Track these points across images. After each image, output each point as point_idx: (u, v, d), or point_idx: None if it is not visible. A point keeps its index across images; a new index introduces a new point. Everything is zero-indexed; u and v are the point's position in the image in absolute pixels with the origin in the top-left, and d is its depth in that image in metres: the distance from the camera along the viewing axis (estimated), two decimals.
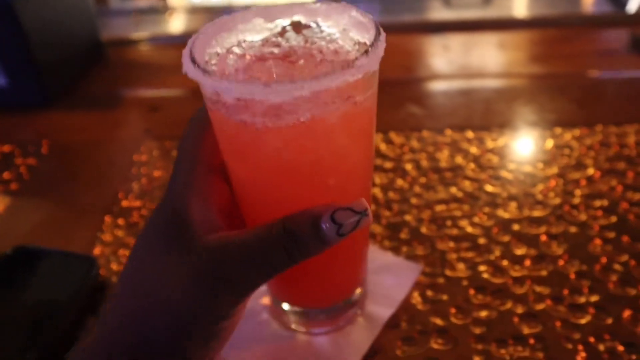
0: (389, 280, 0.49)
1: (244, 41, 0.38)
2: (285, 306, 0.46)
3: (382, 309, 0.47)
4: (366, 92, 0.33)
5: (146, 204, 0.62)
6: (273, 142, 0.33)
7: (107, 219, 0.60)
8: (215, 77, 0.31)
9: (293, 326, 0.46)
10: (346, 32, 0.37)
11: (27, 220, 0.62)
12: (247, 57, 0.37)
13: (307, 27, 0.38)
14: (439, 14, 1.25)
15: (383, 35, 0.32)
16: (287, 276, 0.43)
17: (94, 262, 0.53)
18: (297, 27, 0.38)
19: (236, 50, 0.38)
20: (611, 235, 0.53)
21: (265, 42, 0.38)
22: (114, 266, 0.54)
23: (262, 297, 0.49)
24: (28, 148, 0.73)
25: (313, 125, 0.31)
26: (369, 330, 0.46)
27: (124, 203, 0.62)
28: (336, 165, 0.35)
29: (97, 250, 0.56)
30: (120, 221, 0.60)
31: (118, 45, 1.00)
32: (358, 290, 0.46)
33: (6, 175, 0.68)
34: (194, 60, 0.32)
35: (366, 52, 0.30)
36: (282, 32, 0.38)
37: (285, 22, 0.38)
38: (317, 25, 0.38)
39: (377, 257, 0.52)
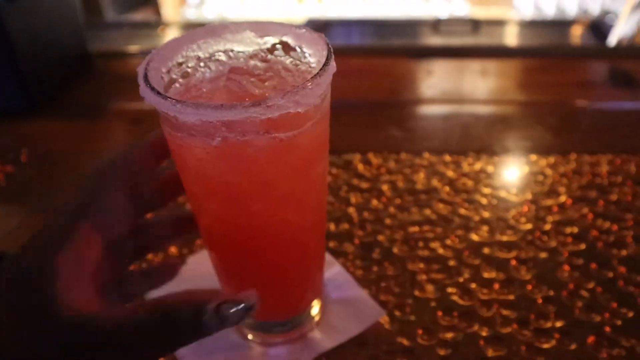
0: (347, 314, 0.48)
1: (231, 50, 0.39)
2: None
3: (326, 340, 0.47)
4: (291, 131, 0.33)
5: None
6: (193, 159, 0.34)
7: None
8: (146, 89, 0.32)
9: (249, 337, 0.47)
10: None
11: (0, 227, 0.61)
12: (221, 68, 0.38)
13: (294, 49, 0.39)
14: (429, 40, 1.27)
15: (316, 81, 0.32)
16: (242, 289, 0.44)
17: None
18: (286, 47, 0.39)
19: (220, 57, 0.39)
20: (579, 262, 0.54)
21: (254, 55, 0.39)
22: None
23: None
24: (7, 155, 0.73)
25: (227, 150, 0.32)
26: (325, 343, 0.46)
27: None
28: (259, 194, 0.36)
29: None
30: None
31: (107, 58, 1.01)
32: (315, 302, 0.47)
33: None
34: (146, 77, 0.33)
35: (284, 94, 0.30)
36: (272, 50, 0.39)
37: (274, 40, 0.39)
38: (302, 50, 0.39)
39: (345, 286, 0.51)
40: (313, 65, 0.38)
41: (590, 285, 0.51)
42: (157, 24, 1.29)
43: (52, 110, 0.83)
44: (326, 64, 0.33)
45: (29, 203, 0.66)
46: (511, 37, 1.31)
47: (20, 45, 0.77)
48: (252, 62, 0.39)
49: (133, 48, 1.05)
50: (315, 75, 0.32)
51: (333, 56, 0.34)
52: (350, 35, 1.32)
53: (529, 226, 0.58)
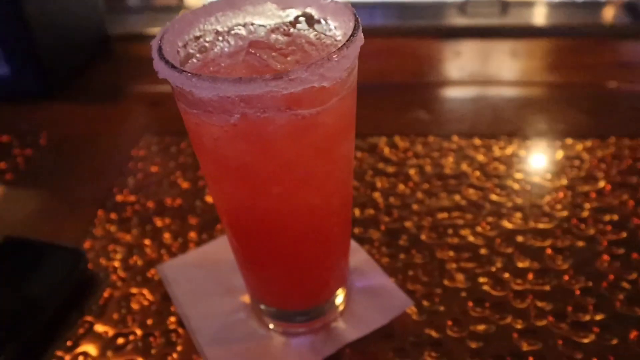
0: (373, 304, 0.46)
1: (252, 24, 0.37)
2: (263, 306, 0.44)
3: (350, 330, 0.45)
4: (315, 107, 0.31)
5: (140, 199, 0.60)
6: (210, 138, 0.32)
7: (100, 213, 0.59)
8: (160, 61, 0.30)
9: (270, 326, 0.45)
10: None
11: (19, 211, 0.61)
12: (240, 43, 0.36)
13: (318, 22, 0.36)
14: (455, 20, 1.22)
15: (342, 53, 0.29)
16: (263, 277, 0.42)
17: (82, 256, 0.52)
18: (310, 20, 0.37)
19: (240, 31, 0.37)
20: (620, 251, 0.51)
21: (275, 29, 0.37)
22: (103, 261, 0.53)
23: (241, 295, 0.47)
24: (26, 139, 0.72)
25: (246, 128, 0.30)
26: (349, 334, 0.44)
27: (118, 197, 0.61)
28: (280, 175, 0.34)
29: (87, 244, 0.55)
30: (113, 215, 0.58)
31: (128, 41, 0.99)
32: (339, 292, 0.45)
33: (2, 165, 0.67)
34: (160, 51, 0.31)
35: (308, 67, 0.28)
36: (294, 22, 0.37)
37: (297, 12, 0.37)
38: (326, 22, 0.36)
39: (371, 274, 0.49)
40: (339, 38, 0.35)
41: (632, 276, 0.48)
42: (178, 7, 1.27)
43: (71, 94, 0.82)
44: (353, 34, 0.31)
45: (48, 187, 0.64)
46: (541, 17, 1.26)
47: (39, 29, 0.76)
48: (273, 36, 0.37)
49: (154, 31, 1.03)
50: (341, 46, 0.30)
51: (361, 27, 0.32)
52: (375, 17, 1.28)
53: (565, 213, 0.55)
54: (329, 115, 0.32)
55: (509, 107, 0.75)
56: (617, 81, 0.79)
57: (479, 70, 0.86)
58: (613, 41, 0.93)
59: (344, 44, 0.30)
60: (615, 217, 0.54)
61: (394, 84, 0.82)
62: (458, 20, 1.22)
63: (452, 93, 0.80)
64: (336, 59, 0.29)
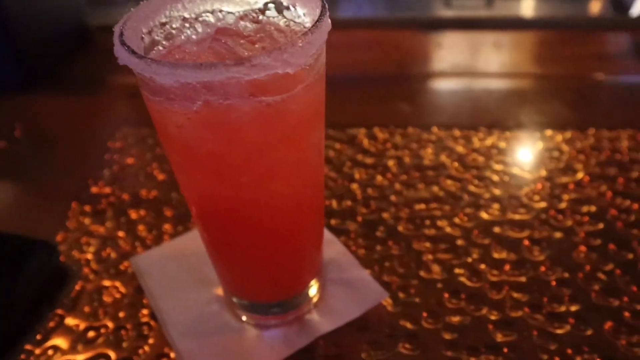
0: (348, 295, 0.46)
1: (220, 11, 0.36)
2: (235, 298, 0.44)
3: (324, 322, 0.44)
4: (280, 94, 0.30)
5: (115, 191, 0.59)
6: (174, 126, 0.32)
7: (74, 205, 0.58)
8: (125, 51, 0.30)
9: (243, 318, 0.44)
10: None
11: None
12: (208, 30, 0.35)
13: (287, 9, 0.36)
14: (441, 12, 1.22)
15: (307, 39, 0.29)
16: (234, 268, 0.41)
17: (54, 249, 0.51)
18: (279, 7, 0.36)
19: (208, 18, 0.36)
20: (597, 242, 0.50)
21: (244, 16, 0.36)
22: (76, 253, 0.52)
23: (214, 288, 0.47)
24: (1, 130, 0.71)
25: (210, 116, 0.30)
26: (323, 326, 0.44)
27: (93, 189, 0.60)
28: (246, 164, 0.33)
29: (60, 237, 0.54)
30: (87, 208, 0.57)
31: (108, 32, 0.98)
32: (313, 283, 0.44)
33: None
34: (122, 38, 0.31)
35: (271, 53, 0.27)
36: (263, 10, 0.36)
37: None
38: (295, 9, 0.35)
39: (346, 266, 0.49)
40: (307, 25, 0.34)
41: (609, 267, 0.48)
42: None
43: (49, 85, 0.80)
44: (319, 20, 0.30)
45: (23, 179, 0.63)
46: (527, 9, 1.25)
47: (16, 19, 0.74)
48: (242, 23, 0.36)
49: None
50: (306, 31, 0.29)
51: (327, 13, 0.31)
52: (360, 8, 1.28)
53: (543, 204, 0.55)
54: (295, 103, 0.31)
55: (490, 98, 0.74)
56: (601, 73, 0.79)
57: (462, 62, 0.85)
58: (598, 34, 0.93)
59: (309, 29, 0.29)
60: (593, 209, 0.54)
61: (375, 75, 0.81)
62: (443, 12, 1.22)
63: (434, 85, 0.80)
64: (301, 45, 0.28)
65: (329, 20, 0.31)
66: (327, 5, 0.32)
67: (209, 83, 0.28)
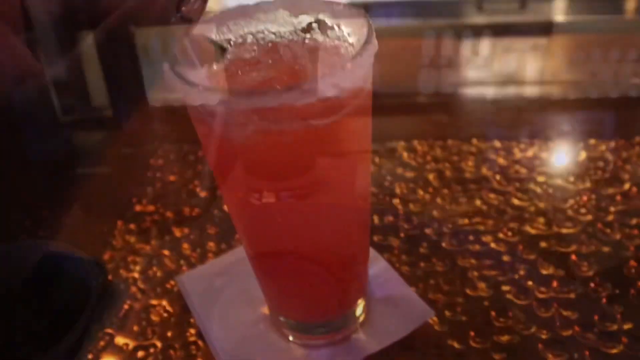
0: (393, 314, 0.45)
1: (264, 32, 0.37)
2: (282, 318, 0.44)
3: (371, 342, 0.44)
4: (330, 117, 0.30)
5: (159, 209, 0.60)
6: (223, 150, 0.32)
7: (120, 223, 0.59)
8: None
9: (290, 338, 0.44)
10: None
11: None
12: (254, 49, 0.35)
13: (331, 28, 0.36)
14: (473, 19, 1.21)
15: (356, 62, 0.29)
16: (281, 289, 0.41)
17: (102, 267, 0.52)
18: (323, 26, 0.36)
19: (251, 39, 0.36)
20: None
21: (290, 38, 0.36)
22: (123, 272, 0.53)
23: (260, 306, 0.47)
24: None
25: (260, 140, 0.30)
26: (369, 346, 0.43)
27: (137, 208, 0.61)
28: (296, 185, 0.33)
29: (106, 256, 0.55)
30: (132, 226, 0.58)
31: None
32: (359, 302, 0.44)
33: None
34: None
35: (321, 78, 0.28)
36: (307, 29, 0.36)
37: (310, 18, 0.36)
38: (340, 29, 0.36)
39: (391, 283, 0.48)
40: (353, 44, 0.34)
41: None
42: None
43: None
44: (367, 42, 0.30)
45: (69, 197, 0.65)
46: (560, 13, 1.23)
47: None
48: (289, 43, 0.36)
49: None
50: (355, 55, 0.29)
51: (374, 34, 0.31)
52: (391, 16, 1.27)
53: (589, 217, 0.54)
54: (344, 124, 0.31)
55: (529, 107, 0.73)
56: None
57: (497, 70, 0.84)
58: (636, 36, 0.91)
59: (357, 52, 0.29)
60: None
61: (410, 86, 0.81)
62: (476, 18, 1.20)
63: (471, 94, 0.79)
64: (350, 69, 0.29)
65: (376, 42, 0.31)
66: (372, 26, 0.32)
67: (259, 109, 0.28)
